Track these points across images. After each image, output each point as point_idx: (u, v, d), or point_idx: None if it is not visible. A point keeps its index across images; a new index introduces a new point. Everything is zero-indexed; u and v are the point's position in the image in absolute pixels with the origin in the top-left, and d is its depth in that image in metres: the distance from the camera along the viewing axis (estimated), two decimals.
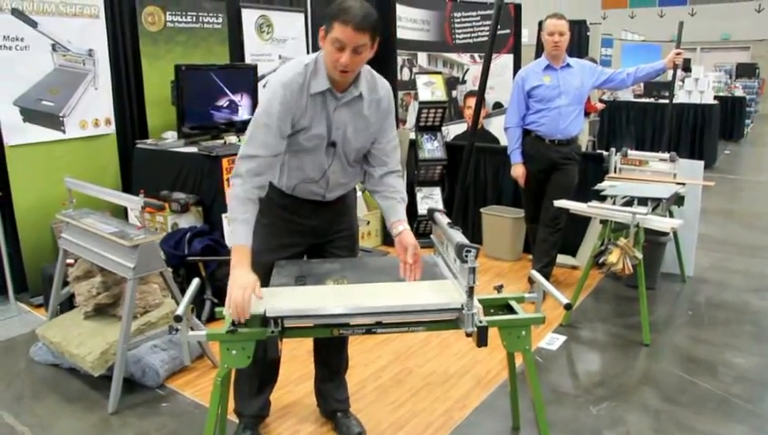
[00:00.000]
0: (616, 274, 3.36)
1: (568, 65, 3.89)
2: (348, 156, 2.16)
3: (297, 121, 2.04)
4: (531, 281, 2.11)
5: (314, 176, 2.16)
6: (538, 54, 4.25)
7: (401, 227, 2.12)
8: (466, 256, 1.74)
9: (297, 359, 3.09)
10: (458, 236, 1.87)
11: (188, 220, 3.80)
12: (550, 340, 3.41)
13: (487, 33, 7.16)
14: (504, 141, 4.33)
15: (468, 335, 1.81)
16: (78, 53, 3.99)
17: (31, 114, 3.78)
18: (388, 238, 5.05)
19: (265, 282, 2.19)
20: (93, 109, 4.11)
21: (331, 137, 2.09)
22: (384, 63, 6.10)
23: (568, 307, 1.95)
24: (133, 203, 2.84)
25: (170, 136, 4.30)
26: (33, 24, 3.73)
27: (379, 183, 2.22)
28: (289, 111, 2.01)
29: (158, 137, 4.38)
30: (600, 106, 7.93)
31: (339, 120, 2.08)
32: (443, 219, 2.11)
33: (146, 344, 2.93)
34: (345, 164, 2.18)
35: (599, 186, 3.85)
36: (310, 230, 2.27)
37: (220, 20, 4.80)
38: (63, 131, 3.96)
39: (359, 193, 4.66)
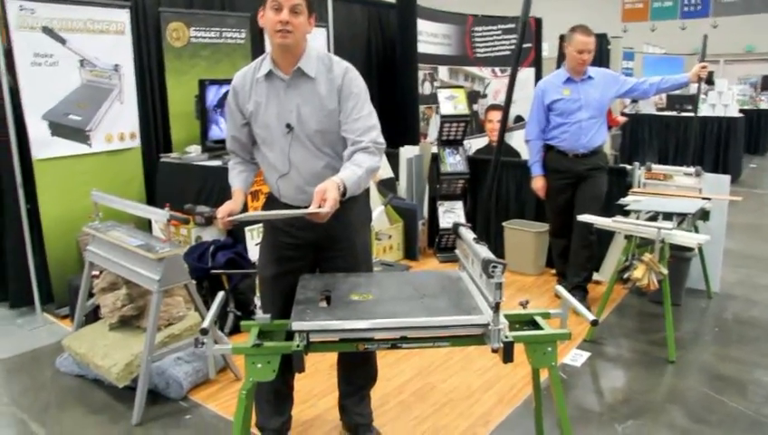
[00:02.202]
0: (640, 289, 3.32)
1: (589, 77, 3.87)
2: (312, 139, 2.14)
3: (243, 107, 2.19)
4: (558, 296, 2.09)
5: (282, 168, 2.18)
6: (559, 67, 4.24)
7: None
8: (493, 272, 1.74)
9: (320, 373, 3.09)
10: (484, 252, 1.87)
11: (212, 233, 3.84)
12: (574, 356, 3.38)
13: (508, 47, 7.21)
14: (525, 155, 4.32)
15: (494, 351, 1.79)
16: (104, 68, 4.07)
17: (58, 128, 3.86)
18: (410, 252, 5.05)
19: (271, 291, 2.32)
20: (119, 123, 4.19)
21: (284, 119, 2.12)
22: (405, 77, 6.16)
23: (594, 323, 1.94)
24: (159, 216, 2.88)
25: (194, 150, 4.35)
26: (62, 42, 3.81)
27: (346, 161, 2.12)
28: (236, 98, 2.21)
29: (181, 151, 4.44)
30: (622, 120, 7.89)
31: (290, 102, 2.12)
32: (468, 234, 2.10)
33: (170, 356, 2.96)
34: (313, 149, 2.15)
35: (622, 200, 3.82)
36: (307, 244, 2.25)
37: (243, 35, 4.87)
38: (90, 145, 4.04)
39: (380, 208, 4.70)
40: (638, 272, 3.23)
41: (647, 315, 3.96)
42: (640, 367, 3.29)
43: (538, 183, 4.02)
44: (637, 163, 4.29)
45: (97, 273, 3.20)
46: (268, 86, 2.15)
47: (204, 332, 1.79)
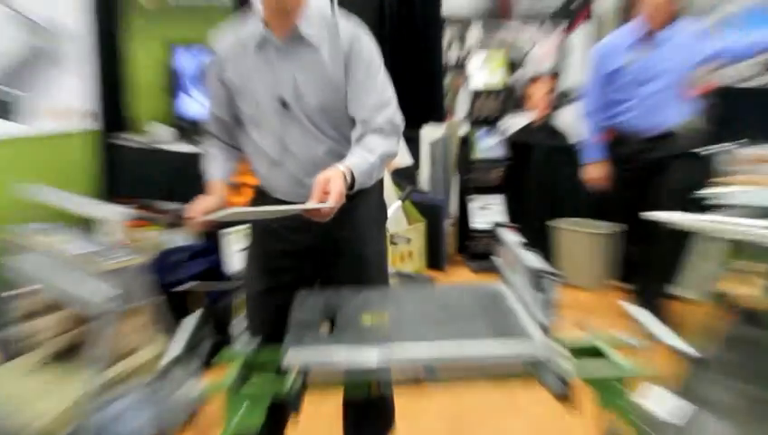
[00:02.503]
0: (751, 314, 3.22)
1: (669, 32, 3.73)
2: (311, 118, 2.15)
3: (225, 78, 2.21)
4: (629, 317, 2.06)
5: (275, 154, 2.20)
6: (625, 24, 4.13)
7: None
8: (547, 286, 1.72)
9: (321, 418, 3.01)
10: (534, 260, 1.85)
11: (183, 237, 3.83)
12: (657, 399, 3.27)
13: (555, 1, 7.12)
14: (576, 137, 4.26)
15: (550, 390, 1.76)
16: (49, 29, 4.04)
17: None
18: (435, 260, 5.01)
19: (260, 311, 2.37)
20: (65, 97, 4.19)
21: (278, 93, 2.13)
22: (427, 40, 6.12)
23: (698, 361, 1.88)
24: (115, 215, 2.84)
25: (162, 131, 4.34)
26: None
27: (355, 145, 2.15)
28: (216, 68, 2.23)
29: (144, 131, 4.42)
30: (709, 87, 7.77)
31: (285, 72, 2.13)
32: (512, 237, 2.08)
33: (122, 401, 2.87)
34: (313, 130, 2.17)
35: (711, 192, 3.70)
36: (304, 251, 2.26)
37: None
38: (25, 124, 4.02)
39: (397, 204, 4.64)
40: (748, 289, 3.14)
41: (764, 349, 3.83)
42: (758, 422, 3.16)
43: (596, 171, 3.95)
44: (730, 145, 4.18)
45: (23, 291, 3.14)
46: (257, 52, 2.15)
47: (170, 365, 1.77)
